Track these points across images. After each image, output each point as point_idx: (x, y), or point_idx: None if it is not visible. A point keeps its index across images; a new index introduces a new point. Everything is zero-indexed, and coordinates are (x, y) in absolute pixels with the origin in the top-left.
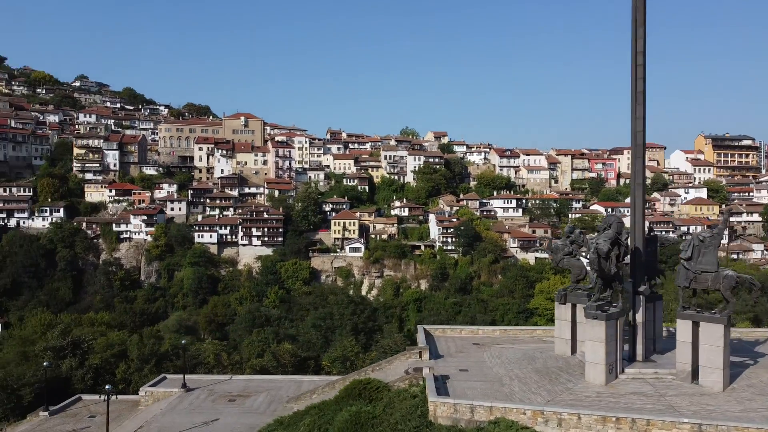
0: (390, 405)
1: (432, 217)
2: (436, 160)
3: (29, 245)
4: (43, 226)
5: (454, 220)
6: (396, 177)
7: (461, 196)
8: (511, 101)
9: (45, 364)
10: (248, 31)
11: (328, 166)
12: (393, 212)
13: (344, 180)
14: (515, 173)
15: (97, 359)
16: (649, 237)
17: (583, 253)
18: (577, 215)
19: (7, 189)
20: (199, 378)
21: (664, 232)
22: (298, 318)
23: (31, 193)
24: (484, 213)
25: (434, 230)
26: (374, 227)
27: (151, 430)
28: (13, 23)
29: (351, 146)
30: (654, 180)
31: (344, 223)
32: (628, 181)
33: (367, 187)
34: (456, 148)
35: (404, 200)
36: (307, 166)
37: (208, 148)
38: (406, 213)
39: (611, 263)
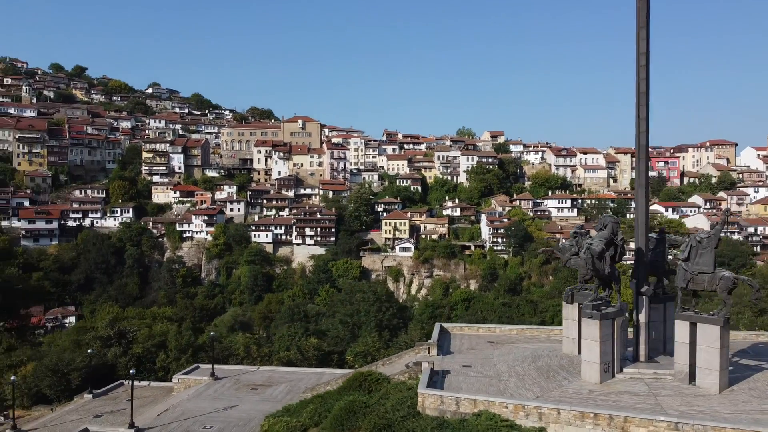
0: (385, 396)
1: (483, 217)
2: (490, 160)
3: (101, 243)
4: (114, 225)
5: (505, 220)
6: (449, 177)
7: (514, 196)
8: (571, 100)
9: (90, 351)
10: (310, 36)
11: (382, 167)
12: (445, 212)
13: (397, 180)
14: (572, 172)
15: (139, 348)
16: (658, 238)
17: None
18: (633, 215)
19: (83, 191)
20: (229, 368)
21: (729, 234)
22: (330, 314)
23: (103, 195)
24: (538, 213)
25: (485, 230)
26: (425, 227)
27: (174, 413)
28: (93, 35)
29: (406, 147)
30: (721, 179)
31: (395, 223)
32: (692, 180)
33: (419, 188)
34: (512, 148)
35: (456, 200)
36: (362, 167)
37: (266, 151)
38: (457, 213)
39: (605, 263)
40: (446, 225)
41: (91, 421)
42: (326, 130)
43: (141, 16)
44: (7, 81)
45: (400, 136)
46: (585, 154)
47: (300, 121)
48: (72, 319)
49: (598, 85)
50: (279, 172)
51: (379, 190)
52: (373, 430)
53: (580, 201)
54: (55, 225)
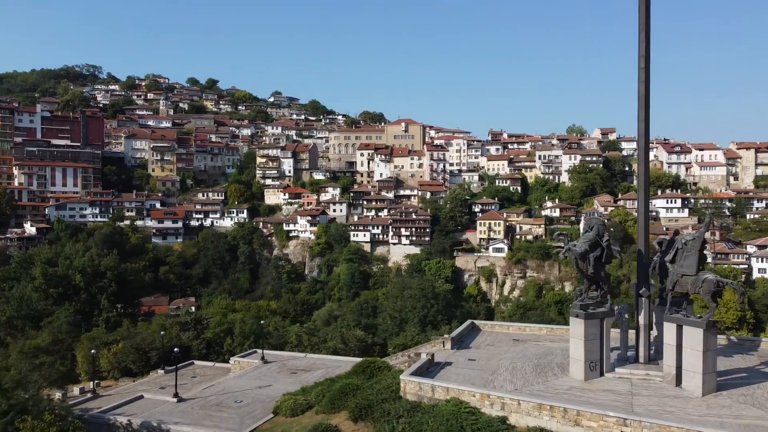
0: (379, 380)
1: (582, 217)
2: (594, 158)
3: (218, 241)
4: (230, 225)
5: (606, 222)
6: (550, 177)
7: (619, 195)
8: (688, 94)
9: (161, 333)
10: (422, 40)
11: (482, 168)
12: (543, 213)
13: (497, 181)
14: (686, 170)
15: (210, 334)
16: (671, 240)
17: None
18: (756, 216)
19: (205, 194)
20: (280, 354)
21: None
22: (382, 309)
23: (222, 197)
24: None
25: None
26: (520, 228)
27: (217, 388)
28: (225, 50)
29: (510, 147)
30: None
31: (489, 223)
32: None
33: (519, 188)
34: (624, 145)
35: (556, 201)
36: (463, 167)
37: (368, 154)
38: (556, 213)
39: (588, 264)
40: (543, 226)
41: (155, 392)
42: (432, 132)
43: (265, 30)
44: (150, 96)
45: (504, 135)
46: (701, 150)
47: (403, 124)
48: (192, 309)
49: (727, 73)
50: (381, 174)
51: (478, 190)
52: (355, 410)
53: (692, 201)
54: (180, 225)
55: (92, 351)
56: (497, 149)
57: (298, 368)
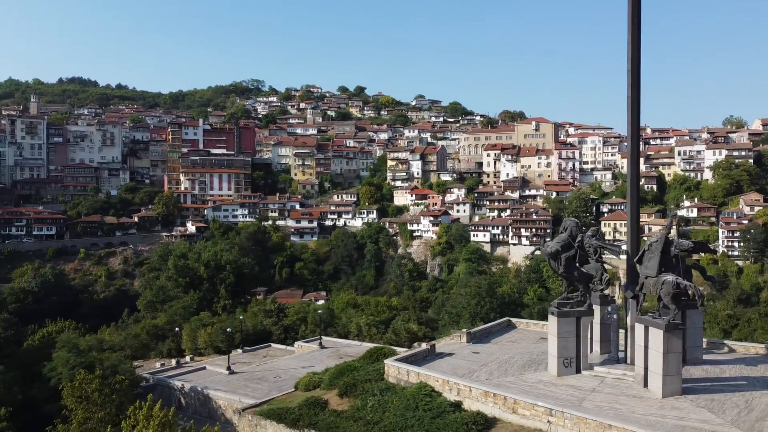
0: (376, 365)
1: (720, 218)
2: (743, 153)
3: (348, 240)
4: (360, 225)
5: (745, 222)
6: (691, 174)
7: None
8: None
9: (240, 318)
10: (562, 35)
11: (616, 165)
12: (679, 213)
13: None
14: None
15: (288, 321)
16: (667, 241)
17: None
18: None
19: (340, 196)
20: (338, 341)
21: None
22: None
23: (355, 199)
24: None
25: (720, 233)
26: (650, 229)
27: (266, 366)
28: (372, 58)
29: (652, 142)
30: None
31: (614, 224)
32: None
33: (654, 186)
34: None
35: (696, 200)
36: (599, 165)
37: (495, 154)
38: (694, 214)
39: (560, 263)
40: (675, 227)
41: (218, 365)
42: (572, 129)
43: (409, 38)
44: (302, 105)
45: (648, 130)
46: None
47: (534, 123)
48: (321, 302)
49: None
50: (507, 175)
51: (610, 189)
52: (343, 387)
53: None
54: (315, 224)
55: (176, 329)
56: None
57: (348, 354)
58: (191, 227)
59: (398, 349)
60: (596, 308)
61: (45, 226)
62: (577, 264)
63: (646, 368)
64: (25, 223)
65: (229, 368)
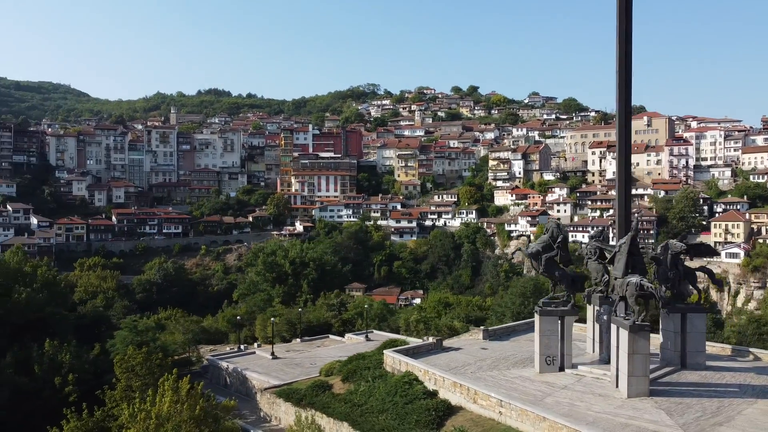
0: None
1: None
2: None
3: (445, 240)
4: (458, 225)
5: None
6: None
7: None
8: None
9: (299, 310)
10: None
11: (738, 161)
12: None
13: (751, 176)
14: None
15: (346, 315)
16: (663, 245)
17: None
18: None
19: (441, 196)
20: (385, 335)
21: None
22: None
23: (455, 199)
24: None
25: None
26: (766, 230)
27: (309, 354)
28: (487, 57)
29: None
30: None
31: (726, 225)
32: None
33: None
34: None
35: None
36: (720, 162)
37: (600, 152)
38: None
39: (540, 264)
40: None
41: (265, 351)
42: (694, 123)
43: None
44: (413, 107)
45: None
46: None
47: (645, 118)
48: (417, 300)
49: None
50: (613, 173)
51: (728, 187)
52: (346, 373)
53: None
54: (414, 224)
55: (237, 317)
56: (766, 139)
57: None
58: (299, 227)
59: (411, 340)
60: (596, 309)
61: (173, 225)
62: (561, 265)
63: (617, 368)
64: (157, 223)
65: (272, 354)
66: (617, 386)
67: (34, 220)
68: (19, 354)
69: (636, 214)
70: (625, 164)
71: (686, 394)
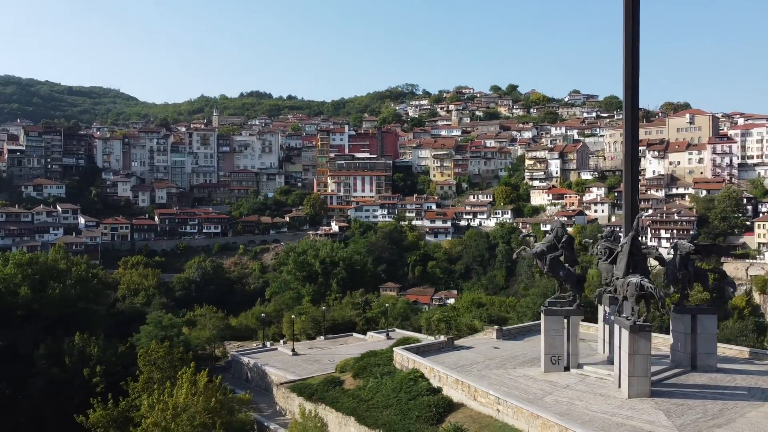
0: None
1: None
2: None
3: (480, 240)
4: (493, 225)
5: None
6: None
7: None
8: None
9: (323, 308)
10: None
11: None
12: None
13: None
14: None
15: (370, 313)
16: (673, 246)
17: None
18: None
19: (476, 196)
20: (406, 333)
21: None
22: None
23: (491, 199)
24: None
25: None
26: None
27: (329, 351)
28: (526, 54)
29: None
30: None
31: None
32: None
33: None
34: None
35: None
36: (767, 160)
37: (640, 151)
38: None
39: (544, 263)
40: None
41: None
42: (741, 120)
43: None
44: (451, 107)
45: None
46: None
47: (687, 116)
48: (451, 300)
49: None
50: (653, 172)
51: None
52: (357, 369)
53: None
54: (449, 224)
55: (263, 314)
56: None
57: None
58: (335, 227)
59: (424, 338)
60: (605, 309)
61: (212, 225)
62: (566, 265)
63: (619, 369)
64: (197, 222)
65: (293, 350)
66: (620, 387)
67: (81, 220)
68: (51, 346)
69: (676, 214)
70: (632, 164)
71: (690, 396)
